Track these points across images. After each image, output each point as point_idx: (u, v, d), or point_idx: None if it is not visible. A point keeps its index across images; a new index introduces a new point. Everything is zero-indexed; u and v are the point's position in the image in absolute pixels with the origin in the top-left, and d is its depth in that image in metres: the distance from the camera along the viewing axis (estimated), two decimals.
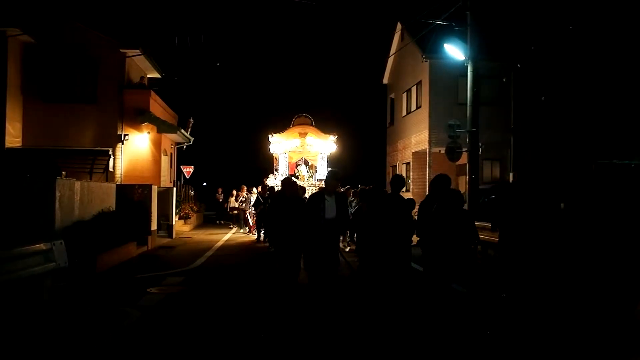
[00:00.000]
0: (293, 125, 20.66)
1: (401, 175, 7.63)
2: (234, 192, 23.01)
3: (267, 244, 13.83)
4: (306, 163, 21.77)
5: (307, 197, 17.66)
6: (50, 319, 6.61)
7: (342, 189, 16.95)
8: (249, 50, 56.48)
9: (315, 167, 21.25)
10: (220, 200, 25.87)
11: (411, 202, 8.44)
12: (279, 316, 6.70)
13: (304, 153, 21.27)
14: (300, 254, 7.51)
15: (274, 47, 61.71)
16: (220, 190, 26.25)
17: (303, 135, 20.04)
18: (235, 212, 22.68)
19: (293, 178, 19.61)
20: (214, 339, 5.93)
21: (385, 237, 7.34)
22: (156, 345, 5.73)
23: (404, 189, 14.92)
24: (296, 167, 21.36)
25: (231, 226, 22.90)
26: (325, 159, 20.86)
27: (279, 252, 7.63)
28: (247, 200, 20.12)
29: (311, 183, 19.52)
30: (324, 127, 20.92)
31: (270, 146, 20.80)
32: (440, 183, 6.71)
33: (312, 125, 20.66)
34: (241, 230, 20.61)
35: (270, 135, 20.19)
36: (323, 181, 19.14)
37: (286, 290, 7.40)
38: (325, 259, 6.84)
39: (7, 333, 5.93)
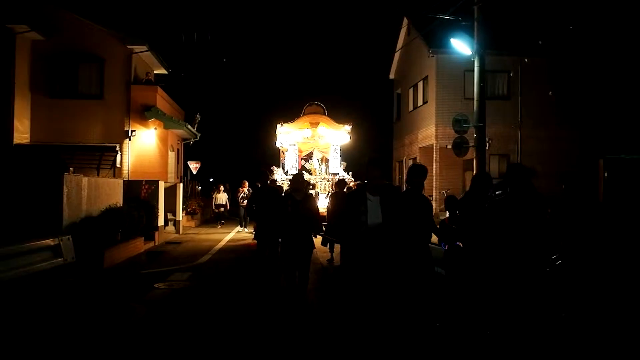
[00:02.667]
0: (304, 114, 19.28)
1: (422, 164, 5.51)
2: (221, 188, 21.35)
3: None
4: (309, 157, 20.33)
5: (315, 192, 16.55)
6: (58, 315, 6.65)
7: (354, 184, 15.56)
8: (255, 46, 56.49)
9: (327, 160, 19.69)
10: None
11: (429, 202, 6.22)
12: (279, 319, 6.49)
13: (314, 144, 19.75)
14: (309, 253, 6.76)
15: (280, 42, 61.69)
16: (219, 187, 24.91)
17: (314, 125, 18.63)
18: (222, 209, 21.14)
19: (303, 172, 18.93)
20: (218, 335, 5.96)
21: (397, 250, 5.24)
22: (162, 341, 5.75)
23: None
24: (306, 161, 20.01)
25: (219, 225, 20.84)
26: (338, 151, 19.27)
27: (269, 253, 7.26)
28: (247, 197, 18.46)
29: (323, 177, 18.40)
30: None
31: (277, 137, 19.53)
32: (516, 173, 5.09)
33: (324, 114, 19.22)
34: (246, 230, 18.90)
35: (279, 125, 18.81)
36: (336, 175, 17.96)
37: (284, 295, 6.75)
38: (374, 282, 5.01)
39: (17, 328, 5.98)
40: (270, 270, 7.76)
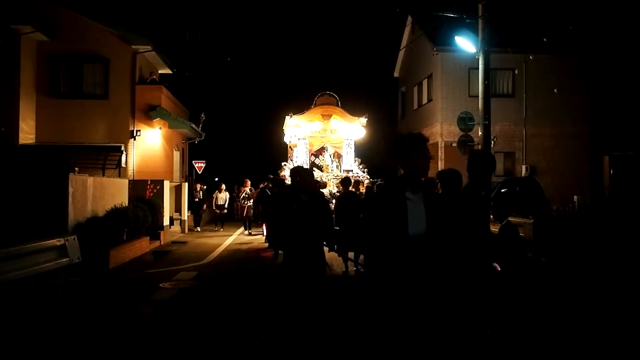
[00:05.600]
0: (315, 106, 17.76)
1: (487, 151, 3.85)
2: (222, 187, 19.42)
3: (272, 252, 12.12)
4: (320, 153, 18.87)
5: (329, 191, 15.33)
6: (64, 315, 6.66)
7: (369, 182, 14.51)
8: (259, 44, 56.45)
9: (340, 156, 18.32)
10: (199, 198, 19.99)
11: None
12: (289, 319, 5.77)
13: (326, 139, 18.19)
14: (322, 271, 5.43)
15: (284, 40, 61.62)
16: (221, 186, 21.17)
17: (327, 117, 17.32)
18: (225, 211, 19.35)
19: (315, 169, 16.21)
20: (226, 335, 5.95)
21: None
22: (169, 341, 5.75)
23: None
24: (317, 157, 18.59)
25: (216, 229, 19.13)
26: (352, 146, 17.81)
27: (290, 270, 5.32)
28: (250, 197, 17.65)
29: (336, 175, 17.07)
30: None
31: (286, 131, 18.24)
32: None
33: (337, 105, 17.73)
34: (246, 232, 17.75)
35: (288, 117, 17.34)
36: (349, 172, 16.65)
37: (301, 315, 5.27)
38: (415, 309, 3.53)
39: (23, 328, 5.99)
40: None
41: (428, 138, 3.51)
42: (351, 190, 10.81)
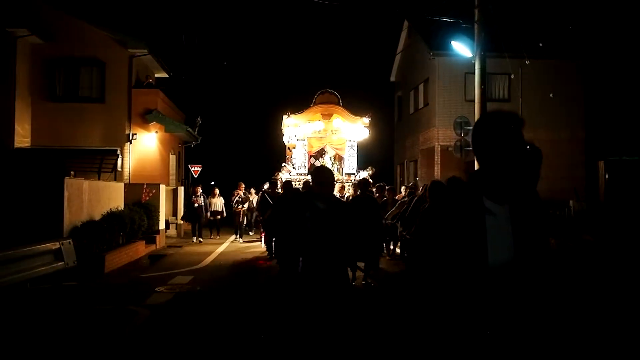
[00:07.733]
0: (314, 104, 16.74)
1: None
2: (216, 191, 17.29)
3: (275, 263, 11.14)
4: (320, 155, 17.95)
5: (347, 197, 13.97)
6: (59, 319, 6.63)
7: (372, 187, 14.25)
8: (255, 49, 56.48)
9: (341, 158, 17.54)
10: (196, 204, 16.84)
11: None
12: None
13: (327, 139, 17.24)
14: (343, 298, 4.35)
15: (281, 45, 61.74)
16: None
17: (327, 117, 16.36)
18: (219, 217, 17.32)
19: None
20: (222, 340, 5.93)
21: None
22: (164, 345, 5.73)
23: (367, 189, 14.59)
24: (317, 159, 17.62)
25: (212, 236, 17.43)
26: (355, 148, 16.99)
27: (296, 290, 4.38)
28: (243, 201, 16.79)
29: (337, 178, 15.63)
30: None
31: (284, 131, 17.39)
32: None
33: (339, 104, 16.76)
34: (239, 239, 16.74)
35: (285, 116, 16.44)
36: (351, 176, 16.12)
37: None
38: None
39: (18, 333, 5.96)
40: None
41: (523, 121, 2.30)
42: (368, 194, 10.01)
